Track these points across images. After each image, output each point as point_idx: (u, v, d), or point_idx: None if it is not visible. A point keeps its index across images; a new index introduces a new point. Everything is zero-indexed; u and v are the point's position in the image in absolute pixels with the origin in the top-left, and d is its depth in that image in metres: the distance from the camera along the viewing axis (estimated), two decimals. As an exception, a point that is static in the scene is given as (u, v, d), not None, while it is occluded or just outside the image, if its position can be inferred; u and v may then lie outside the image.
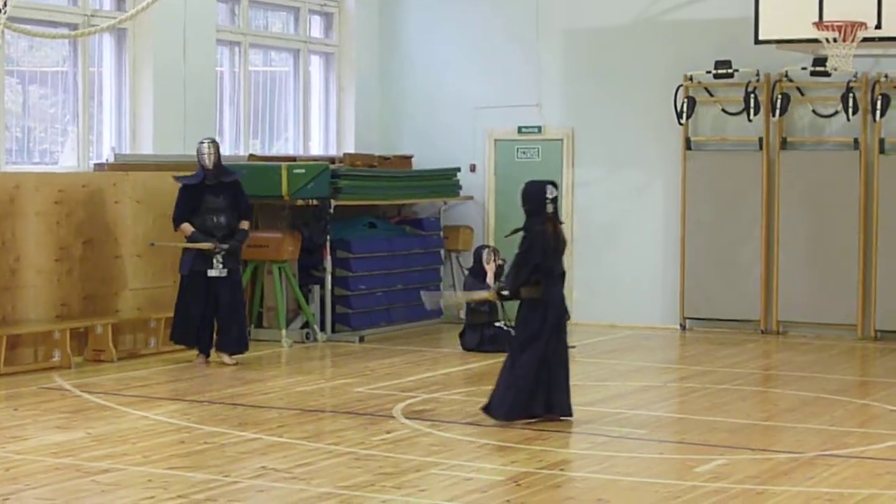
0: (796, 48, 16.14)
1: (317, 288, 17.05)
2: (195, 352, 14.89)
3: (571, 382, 11.70)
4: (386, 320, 17.90)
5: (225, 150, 16.39)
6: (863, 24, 14.75)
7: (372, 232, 18.09)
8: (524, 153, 19.04)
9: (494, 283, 16.23)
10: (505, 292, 11.78)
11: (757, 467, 9.93)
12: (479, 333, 15.96)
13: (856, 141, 17.25)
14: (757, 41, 15.94)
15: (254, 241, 15.83)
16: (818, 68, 16.88)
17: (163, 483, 9.24)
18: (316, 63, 19.40)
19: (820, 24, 14.92)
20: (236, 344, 14.77)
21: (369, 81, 19.61)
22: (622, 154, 18.48)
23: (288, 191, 16.32)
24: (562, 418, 11.50)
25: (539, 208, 11.60)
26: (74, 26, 15.44)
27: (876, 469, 9.93)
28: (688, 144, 18.03)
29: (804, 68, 17.24)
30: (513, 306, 12.19)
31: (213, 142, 14.88)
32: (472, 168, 19.20)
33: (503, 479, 9.53)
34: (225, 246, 14.62)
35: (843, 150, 17.39)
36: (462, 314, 17.32)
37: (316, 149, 19.23)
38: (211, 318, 14.75)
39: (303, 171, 16.52)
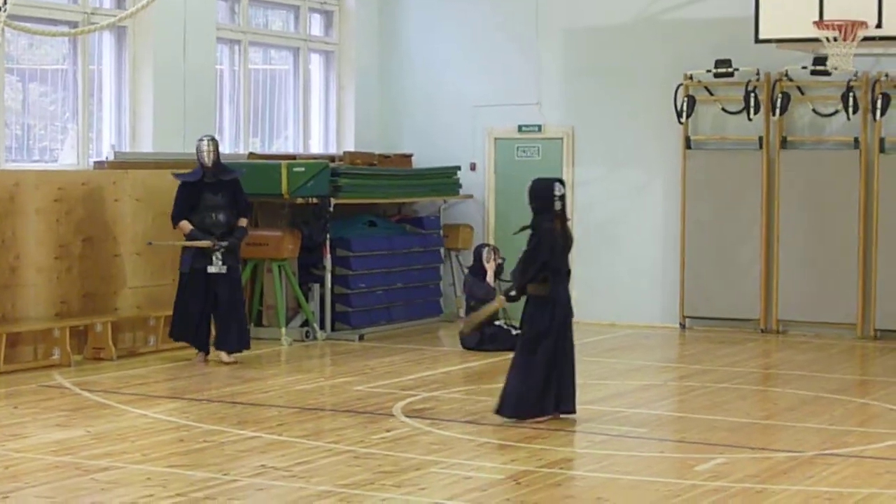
0: (796, 47, 16.14)
1: (316, 286, 17.05)
2: (194, 350, 14.89)
3: (571, 381, 11.72)
4: (386, 319, 17.90)
5: (225, 149, 16.40)
6: (863, 24, 14.75)
7: (372, 230, 18.09)
8: (524, 152, 19.04)
9: (494, 281, 16.26)
10: (513, 293, 11.75)
11: (756, 466, 9.93)
12: (478, 332, 15.95)
13: (856, 140, 17.24)
14: (757, 40, 15.93)
15: (253, 239, 15.83)
16: (818, 67, 16.88)
17: (162, 481, 9.24)
18: (316, 61, 19.39)
19: (820, 23, 14.92)
20: (237, 342, 14.76)
21: (369, 80, 19.61)
22: (622, 153, 18.48)
23: (288, 189, 16.31)
24: (565, 416, 11.49)
25: (547, 206, 11.59)
26: (74, 24, 15.44)
27: (875, 468, 9.93)
28: (688, 143, 18.02)
29: (804, 67, 17.24)
30: (514, 305, 12.20)
31: (213, 139, 14.88)
32: (472, 167, 19.20)
33: (503, 477, 9.52)
34: (224, 243, 14.62)
35: (843, 149, 17.39)
36: (461, 312, 17.32)
37: (316, 147, 19.22)
38: (210, 316, 14.75)
39: (303, 169, 16.52)
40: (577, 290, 17.20)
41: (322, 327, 16.91)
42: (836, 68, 15.32)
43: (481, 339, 15.86)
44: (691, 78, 17.89)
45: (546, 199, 11.61)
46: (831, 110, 17.38)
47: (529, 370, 11.44)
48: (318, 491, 9.03)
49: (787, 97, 17.40)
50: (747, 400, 13.16)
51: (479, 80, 19.20)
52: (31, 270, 14.36)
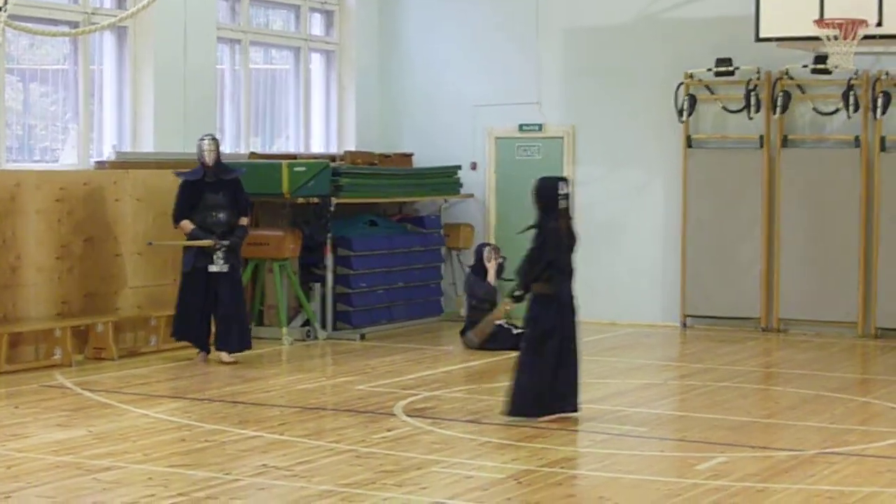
0: (797, 46, 16.14)
1: (318, 286, 17.06)
2: (195, 349, 14.90)
3: (572, 380, 11.73)
4: (387, 318, 17.90)
5: (226, 148, 16.41)
6: (863, 22, 14.75)
7: (373, 230, 18.09)
8: (525, 151, 19.04)
9: (495, 280, 16.26)
10: (518, 293, 11.74)
11: (757, 465, 9.94)
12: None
13: (857, 139, 17.25)
14: (758, 39, 15.94)
15: (255, 239, 15.84)
16: (819, 66, 16.88)
17: (163, 481, 9.24)
18: (316, 61, 19.40)
19: (821, 21, 14.92)
20: (238, 342, 14.75)
21: (370, 79, 19.61)
22: (623, 152, 18.48)
23: (289, 189, 16.32)
24: (569, 415, 11.50)
25: (552, 204, 11.59)
26: (75, 24, 15.44)
27: (877, 467, 9.93)
28: (688, 142, 18.03)
29: (805, 66, 17.24)
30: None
31: (214, 139, 14.89)
32: (473, 166, 19.21)
33: (504, 476, 9.53)
34: (225, 242, 14.63)
35: (843, 147, 17.39)
36: (462, 312, 17.32)
37: (317, 146, 19.23)
38: (210, 315, 14.75)
39: (303, 168, 16.52)
40: (578, 289, 17.23)
41: (323, 327, 16.92)
42: (836, 67, 15.31)
43: (484, 339, 15.84)
44: (692, 77, 17.90)
45: (551, 198, 11.61)
46: (832, 109, 17.38)
47: (537, 369, 11.45)
48: (319, 490, 9.03)
49: (787, 96, 17.40)
50: (748, 399, 13.16)
51: (480, 79, 19.20)
52: (32, 270, 14.37)
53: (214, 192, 14.75)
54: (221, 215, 14.74)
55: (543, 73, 18.86)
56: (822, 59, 16.42)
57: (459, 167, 19.12)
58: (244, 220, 14.95)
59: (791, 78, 17.48)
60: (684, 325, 18.09)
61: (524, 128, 18.99)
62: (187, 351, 15.06)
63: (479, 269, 16.41)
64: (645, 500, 9.01)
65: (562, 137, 18.79)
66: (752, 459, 10.13)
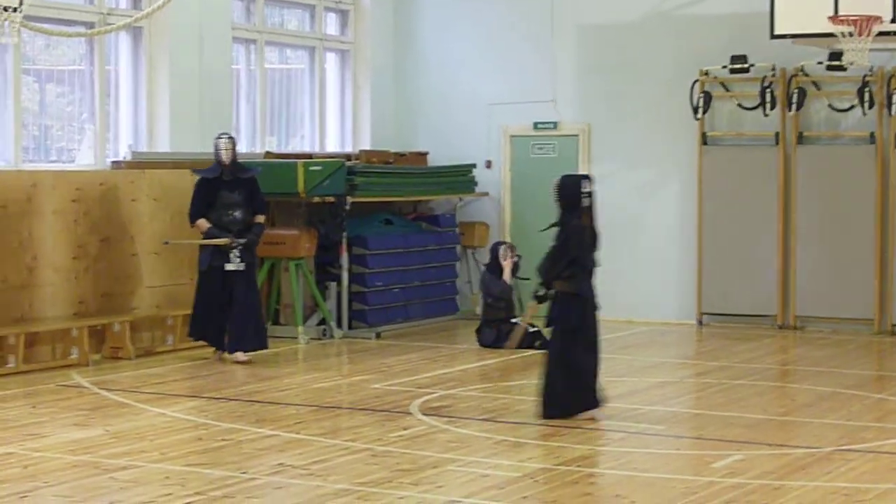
0: (812, 42, 16.12)
1: (333, 284, 17.07)
2: (212, 348, 14.93)
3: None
4: (402, 317, 17.91)
5: (241, 148, 16.45)
6: (878, 18, 14.73)
7: (388, 228, 18.10)
8: (540, 149, 19.04)
9: (511, 279, 16.25)
10: (541, 293, 11.73)
11: (774, 462, 9.93)
12: (495, 330, 15.98)
13: (872, 135, 17.22)
14: (772, 36, 15.93)
15: (270, 238, 15.86)
16: (834, 63, 16.85)
17: (180, 480, 9.26)
18: (331, 60, 19.42)
19: (835, 18, 14.89)
20: (252, 341, 14.75)
21: (385, 78, 19.62)
22: (638, 149, 18.47)
23: (304, 188, 16.34)
24: (597, 410, 11.54)
25: (574, 202, 11.57)
26: (91, 25, 15.48)
27: (893, 463, 9.92)
28: (704, 140, 18.01)
29: (820, 63, 17.21)
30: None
31: (231, 137, 14.92)
32: (488, 164, 19.21)
33: (520, 475, 9.53)
34: (242, 240, 14.65)
35: (859, 144, 17.37)
36: (478, 310, 17.32)
37: (332, 146, 19.25)
38: (227, 314, 14.75)
39: (319, 168, 16.54)
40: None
41: (339, 325, 16.94)
42: (851, 63, 15.29)
43: (498, 336, 15.87)
44: (707, 74, 17.88)
45: (573, 196, 11.59)
46: (847, 106, 17.35)
47: (566, 370, 11.45)
48: (335, 489, 9.05)
49: (802, 93, 17.38)
50: (764, 396, 13.15)
51: (495, 77, 19.20)
52: (49, 270, 14.41)
53: (231, 190, 14.78)
54: (237, 214, 14.77)
55: (558, 71, 18.86)
56: (837, 55, 16.38)
57: (474, 165, 19.13)
58: (261, 218, 14.98)
59: (806, 75, 17.46)
60: (700, 322, 18.08)
61: (539, 126, 18.99)
62: (204, 350, 15.09)
63: (494, 267, 16.41)
64: (661, 498, 9.00)
65: (577, 135, 18.79)
66: (769, 457, 10.12)
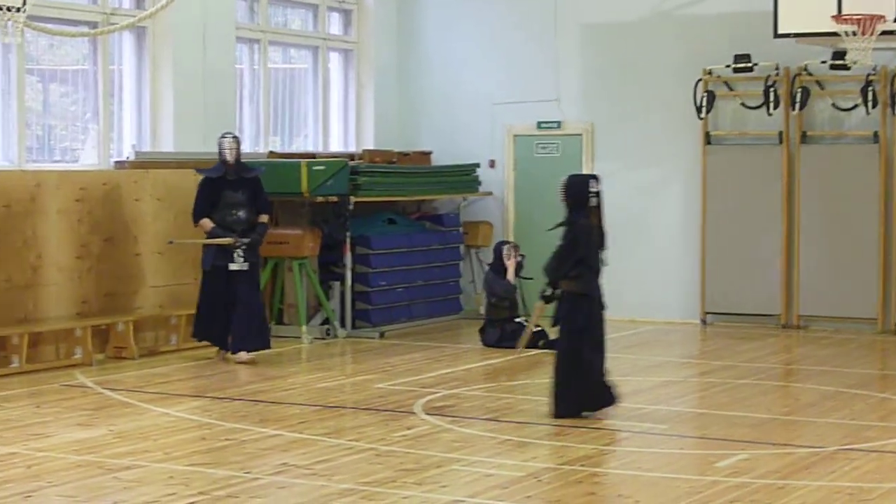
0: (815, 42, 16.12)
1: (337, 284, 17.08)
2: (215, 348, 14.93)
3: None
4: (406, 316, 17.92)
5: (245, 147, 16.43)
6: (882, 18, 14.74)
7: (392, 228, 18.11)
8: (543, 149, 19.04)
9: (514, 278, 16.25)
10: (548, 293, 11.73)
11: (778, 462, 9.92)
12: (499, 329, 15.98)
13: (875, 134, 17.21)
14: (776, 35, 15.93)
15: (274, 237, 15.86)
16: (837, 62, 16.84)
17: (184, 480, 9.27)
18: (335, 60, 19.43)
19: (839, 17, 14.90)
20: (255, 341, 14.73)
21: (388, 78, 19.63)
22: (642, 148, 18.47)
23: (308, 187, 16.34)
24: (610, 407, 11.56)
25: (582, 202, 11.57)
26: (94, 25, 15.48)
27: (897, 463, 9.93)
28: (707, 139, 18.01)
29: (823, 62, 17.19)
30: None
31: (235, 137, 14.93)
32: (492, 164, 19.21)
33: (524, 474, 9.53)
34: (246, 240, 14.64)
35: (862, 143, 17.36)
36: (481, 310, 17.33)
37: (335, 145, 19.25)
38: (231, 313, 14.74)
39: (322, 167, 16.55)
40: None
41: (343, 325, 16.94)
42: (855, 63, 15.29)
43: (501, 336, 15.87)
44: (710, 73, 17.88)
45: (581, 195, 11.59)
46: (851, 105, 17.35)
47: (576, 369, 11.46)
48: (339, 489, 9.05)
49: (806, 92, 17.37)
50: (768, 396, 13.14)
51: (498, 77, 19.20)
52: (53, 270, 14.42)
53: (234, 190, 14.77)
54: (241, 213, 14.76)
55: (562, 70, 18.86)
56: (840, 54, 16.39)
57: (478, 165, 19.13)
58: (264, 218, 14.98)
59: (810, 74, 17.45)
60: (704, 322, 18.08)
61: (543, 125, 18.99)
62: (207, 350, 15.09)
63: (498, 266, 16.40)
64: (665, 497, 9.00)
65: (580, 134, 18.78)
66: (773, 456, 10.12)
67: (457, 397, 12.68)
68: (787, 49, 16.72)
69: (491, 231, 19.10)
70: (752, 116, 17.83)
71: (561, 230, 11.61)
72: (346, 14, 19.46)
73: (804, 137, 17.58)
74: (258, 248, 14.92)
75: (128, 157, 15.90)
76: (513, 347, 15.22)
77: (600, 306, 11.66)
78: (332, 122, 19.28)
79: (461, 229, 19.04)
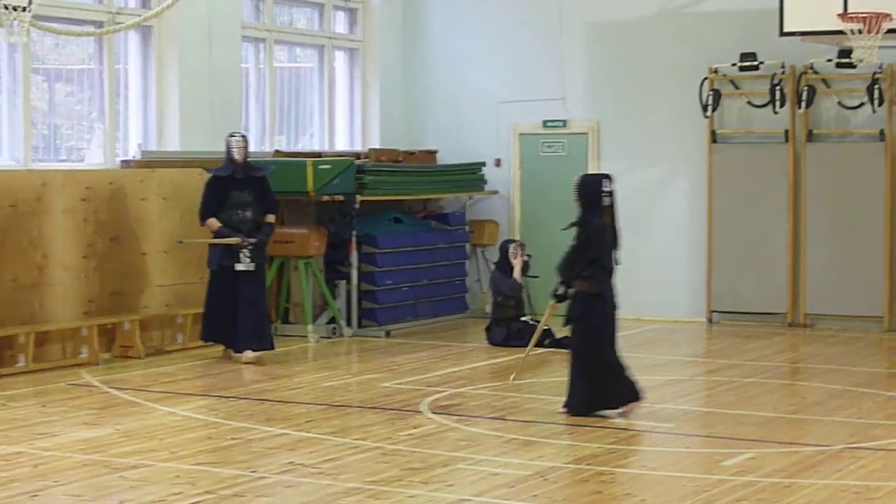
0: (821, 40, 16.10)
1: (343, 283, 17.08)
2: (221, 347, 14.94)
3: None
4: (412, 315, 17.92)
5: (251, 147, 16.40)
6: (888, 16, 14.73)
7: (397, 227, 18.11)
8: (549, 147, 19.03)
9: (521, 277, 16.25)
10: (560, 292, 11.73)
11: (784, 460, 9.92)
12: (505, 328, 15.98)
13: (881, 132, 17.19)
14: (782, 33, 15.92)
15: (280, 236, 15.86)
16: (843, 60, 16.82)
17: (190, 479, 9.27)
18: (340, 59, 19.42)
19: (844, 15, 14.88)
20: (261, 341, 14.72)
21: (394, 77, 19.63)
22: (648, 147, 18.46)
23: (314, 186, 16.35)
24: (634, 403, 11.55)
25: (595, 201, 11.57)
26: (100, 24, 15.48)
27: (904, 462, 9.92)
28: (713, 137, 17.99)
29: (829, 60, 17.18)
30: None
31: (243, 136, 14.94)
32: (497, 162, 19.21)
33: (530, 473, 9.53)
34: (252, 240, 14.64)
35: (868, 141, 17.34)
36: (487, 308, 17.32)
37: (341, 144, 19.25)
38: (237, 314, 14.73)
39: (328, 166, 16.55)
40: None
41: (348, 324, 16.94)
42: (861, 61, 15.27)
43: (507, 335, 15.88)
44: (716, 72, 17.86)
45: (594, 195, 11.59)
46: (857, 103, 17.33)
47: (591, 368, 11.46)
48: (345, 488, 9.05)
49: (812, 90, 17.36)
50: (775, 394, 13.14)
51: (504, 75, 19.20)
52: (59, 269, 14.42)
53: (241, 189, 14.77)
54: (248, 213, 14.76)
55: (567, 68, 18.85)
56: (846, 53, 16.37)
57: (484, 164, 19.13)
58: (271, 218, 14.98)
59: (816, 72, 17.43)
60: (710, 320, 18.07)
61: (548, 124, 18.98)
62: (214, 349, 15.10)
63: (504, 265, 16.40)
64: (671, 496, 9.00)
65: (586, 133, 18.78)
66: (779, 455, 10.11)
67: (463, 396, 12.68)
68: (792, 47, 16.71)
69: (497, 230, 19.09)
70: (758, 115, 17.82)
71: (574, 230, 11.60)
72: (352, 13, 19.46)
73: (810, 136, 17.57)
74: (265, 248, 14.92)
75: (134, 157, 15.91)
76: (519, 346, 15.20)
77: (613, 306, 11.66)
78: (337, 121, 19.28)
79: (467, 228, 19.04)
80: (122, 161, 15.81)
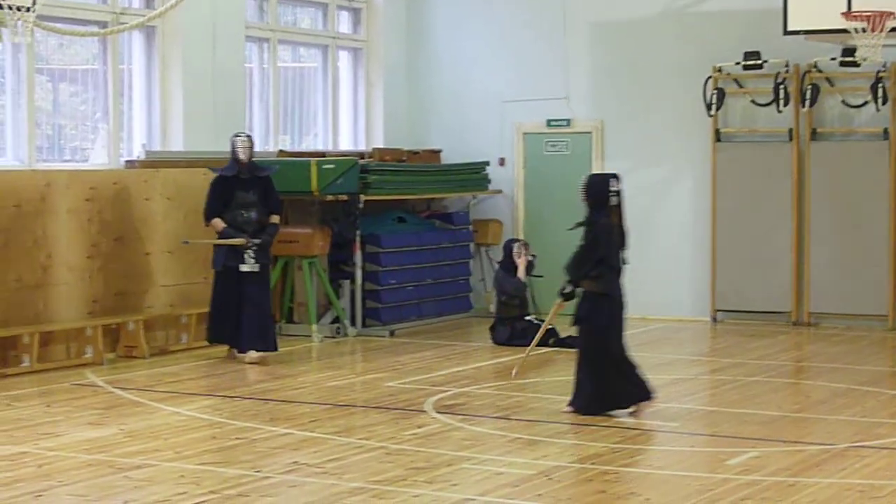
0: (825, 39, 16.09)
1: (347, 283, 17.09)
2: (226, 347, 14.94)
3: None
4: (416, 314, 17.92)
5: (255, 147, 16.44)
6: (891, 14, 14.71)
7: (401, 226, 18.11)
8: (553, 146, 19.03)
9: (525, 277, 16.24)
10: (568, 290, 11.73)
11: (789, 459, 9.92)
12: (509, 327, 15.97)
13: (885, 131, 17.18)
14: (786, 32, 15.91)
15: (284, 236, 15.86)
16: (847, 58, 16.83)
17: (195, 479, 9.27)
18: (344, 58, 19.43)
19: (848, 14, 14.87)
20: (269, 341, 14.72)
21: (398, 76, 19.63)
22: (651, 146, 18.46)
23: (318, 186, 16.35)
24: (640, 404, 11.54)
25: (602, 201, 11.57)
26: (104, 24, 15.49)
27: (908, 460, 9.91)
28: (717, 136, 17.99)
29: (833, 59, 17.18)
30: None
31: (249, 136, 14.95)
32: (501, 162, 19.21)
33: (535, 473, 9.52)
34: (257, 241, 14.64)
35: (872, 140, 17.33)
36: (492, 308, 17.32)
37: (345, 144, 19.26)
38: (241, 314, 14.73)
39: (332, 166, 16.56)
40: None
41: (353, 323, 16.95)
42: (864, 59, 15.26)
43: (512, 334, 15.88)
44: (720, 70, 17.86)
45: (601, 194, 11.59)
46: (860, 101, 17.32)
47: (599, 368, 11.46)
48: (350, 487, 9.05)
49: (816, 89, 17.35)
50: (779, 393, 13.13)
51: (507, 75, 19.20)
52: (63, 269, 14.43)
53: (246, 190, 14.77)
54: (252, 213, 14.76)
55: (571, 68, 18.85)
56: (850, 51, 16.37)
57: (488, 163, 19.13)
58: (276, 218, 14.98)
59: (819, 71, 17.43)
60: (715, 319, 18.06)
61: (552, 123, 18.98)
62: (218, 349, 15.10)
63: (507, 264, 16.40)
64: (676, 495, 9.00)
65: (590, 132, 18.78)
66: (784, 454, 10.11)
67: (467, 395, 12.68)
68: (796, 46, 16.70)
69: (501, 229, 19.10)
70: (761, 114, 17.81)
71: (581, 229, 11.60)
72: (356, 13, 19.46)
73: (814, 134, 17.56)
74: (269, 248, 14.92)
75: (138, 157, 15.91)
76: (523, 345, 15.19)
77: (620, 306, 11.65)
78: (341, 121, 19.28)
79: (471, 227, 19.04)
80: (127, 161, 15.82)
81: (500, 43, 19.26)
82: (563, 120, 18.90)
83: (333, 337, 16.60)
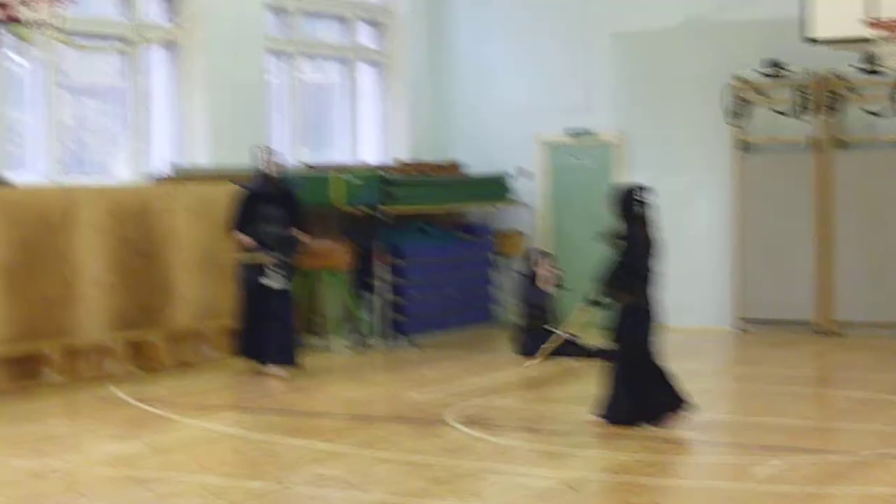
0: (846, 47, 16.06)
1: (370, 295, 17.10)
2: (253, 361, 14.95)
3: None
4: (438, 326, 17.91)
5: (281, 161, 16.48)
6: (914, 22, 14.68)
7: (424, 238, 18.13)
8: (575, 157, 19.03)
9: (546, 286, 16.22)
10: (598, 300, 11.71)
11: (814, 469, 9.88)
12: (532, 338, 15.94)
13: (908, 139, 17.17)
14: (806, 40, 15.89)
15: (307, 249, 15.85)
16: (869, 66, 16.79)
17: (218, 491, 9.28)
18: (366, 71, 19.45)
19: (870, 22, 14.84)
20: (294, 356, 14.71)
21: (419, 88, 19.65)
22: (673, 156, 18.44)
23: (340, 199, 16.37)
24: (677, 413, 11.50)
25: (631, 212, 11.54)
26: (126, 39, 15.55)
27: (933, 469, 9.87)
28: (739, 145, 17.96)
29: (855, 67, 17.14)
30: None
31: (275, 150, 14.98)
32: (523, 173, 19.20)
33: (559, 484, 9.51)
34: (282, 257, 14.64)
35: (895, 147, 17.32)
36: (514, 319, 17.30)
37: (367, 156, 19.28)
38: (265, 328, 14.74)
39: (355, 179, 16.58)
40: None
41: (376, 335, 16.95)
42: (887, 67, 15.22)
43: (534, 344, 15.84)
44: (741, 79, 17.83)
45: (629, 206, 11.56)
46: (883, 109, 17.27)
47: (633, 378, 11.42)
48: (373, 499, 9.05)
49: (838, 97, 17.31)
50: (803, 402, 13.09)
51: (529, 86, 19.21)
52: (87, 284, 14.47)
53: (271, 204, 14.76)
54: (277, 228, 14.76)
55: (593, 78, 18.85)
56: (872, 59, 16.33)
57: (509, 174, 19.14)
58: (300, 233, 14.94)
59: (841, 79, 17.39)
60: (739, 328, 18.02)
61: (574, 134, 18.98)
62: (241, 362, 15.11)
63: (529, 275, 16.39)
64: (699, 505, 8.99)
65: (612, 143, 18.77)
66: (808, 463, 10.08)
67: (490, 407, 12.67)
68: (817, 54, 16.66)
69: (522, 240, 19.09)
70: (783, 122, 17.78)
71: (612, 242, 11.55)
72: (377, 26, 19.49)
73: (837, 142, 17.52)
74: (293, 264, 14.92)
75: (164, 172, 15.95)
76: (548, 357, 15.21)
77: (653, 317, 11.59)
78: (363, 134, 19.31)
79: (493, 238, 19.05)
80: (152, 176, 15.85)
81: (521, 55, 19.27)
82: (586, 131, 18.89)
83: (357, 349, 16.60)
